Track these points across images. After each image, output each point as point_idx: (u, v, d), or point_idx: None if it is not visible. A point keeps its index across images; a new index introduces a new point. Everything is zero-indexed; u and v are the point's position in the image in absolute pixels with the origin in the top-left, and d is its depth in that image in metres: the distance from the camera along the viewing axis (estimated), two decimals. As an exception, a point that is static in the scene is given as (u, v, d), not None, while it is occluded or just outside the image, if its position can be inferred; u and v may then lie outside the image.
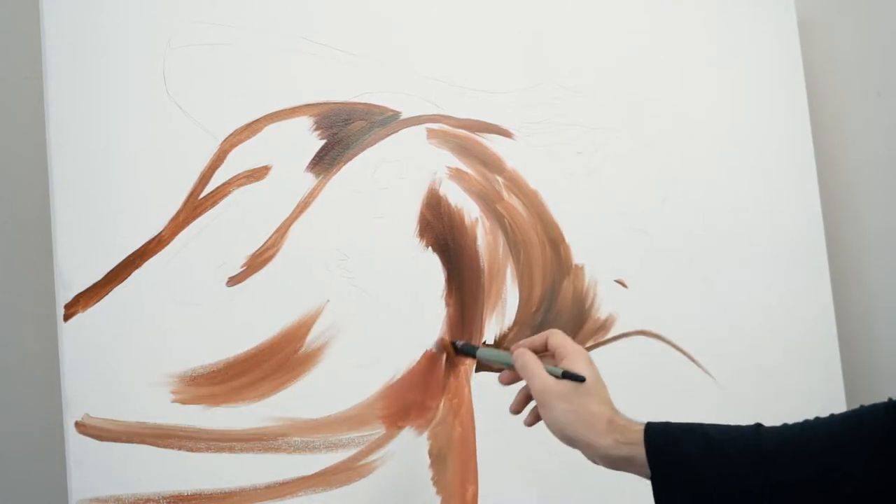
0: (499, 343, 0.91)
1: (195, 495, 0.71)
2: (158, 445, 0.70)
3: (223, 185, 0.75)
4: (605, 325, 0.99)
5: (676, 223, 1.06)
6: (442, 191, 0.88)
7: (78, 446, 0.67)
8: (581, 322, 0.97)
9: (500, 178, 0.93)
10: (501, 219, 0.92)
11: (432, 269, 0.87)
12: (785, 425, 0.65)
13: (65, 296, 0.68)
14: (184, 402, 0.72)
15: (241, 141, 0.77)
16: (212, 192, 0.75)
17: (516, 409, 0.76)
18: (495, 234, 0.91)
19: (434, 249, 0.87)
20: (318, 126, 0.81)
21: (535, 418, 0.74)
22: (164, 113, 0.73)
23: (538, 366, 0.71)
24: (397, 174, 0.85)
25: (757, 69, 1.19)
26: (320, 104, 0.81)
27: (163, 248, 0.72)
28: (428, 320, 0.86)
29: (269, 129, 0.79)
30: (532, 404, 0.74)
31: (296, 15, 0.81)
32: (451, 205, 0.88)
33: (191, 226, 0.74)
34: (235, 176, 0.76)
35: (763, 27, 1.21)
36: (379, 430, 0.81)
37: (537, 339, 0.75)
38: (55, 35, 0.70)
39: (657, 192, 1.05)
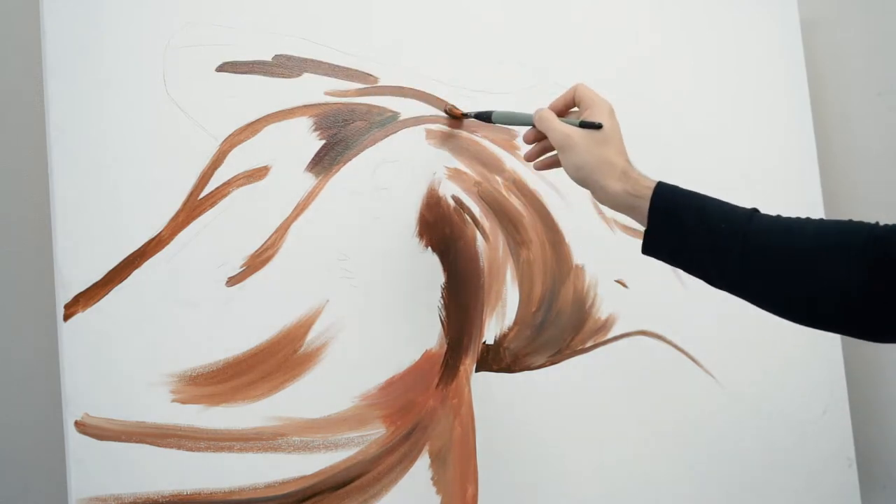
0: (500, 343, 0.91)
1: (194, 494, 0.71)
2: (158, 445, 0.70)
3: (223, 185, 0.75)
4: (605, 326, 0.99)
5: (677, 223, 1.06)
6: (441, 191, 0.88)
7: (78, 445, 0.67)
8: (581, 322, 0.97)
9: (499, 178, 0.93)
10: (501, 219, 0.92)
11: (432, 270, 0.87)
12: (778, 220, 0.70)
13: (65, 296, 0.68)
14: (183, 401, 0.72)
15: (241, 141, 0.77)
16: (211, 193, 0.75)
17: (531, 157, 0.82)
18: (495, 234, 0.91)
19: (434, 250, 0.87)
20: (318, 126, 0.81)
21: (546, 164, 0.81)
22: (163, 113, 0.73)
23: (556, 118, 0.76)
24: (397, 174, 0.85)
25: (759, 68, 1.19)
26: (320, 104, 0.81)
27: (163, 248, 0.72)
28: (428, 320, 0.86)
29: (269, 129, 0.79)
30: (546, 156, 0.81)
31: (296, 15, 0.81)
32: (450, 205, 0.88)
33: (190, 226, 0.74)
34: (235, 176, 0.76)
35: (765, 26, 1.21)
36: (378, 430, 0.81)
37: (563, 96, 0.79)
38: (55, 35, 0.70)
39: (658, 192, 1.05)
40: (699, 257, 0.71)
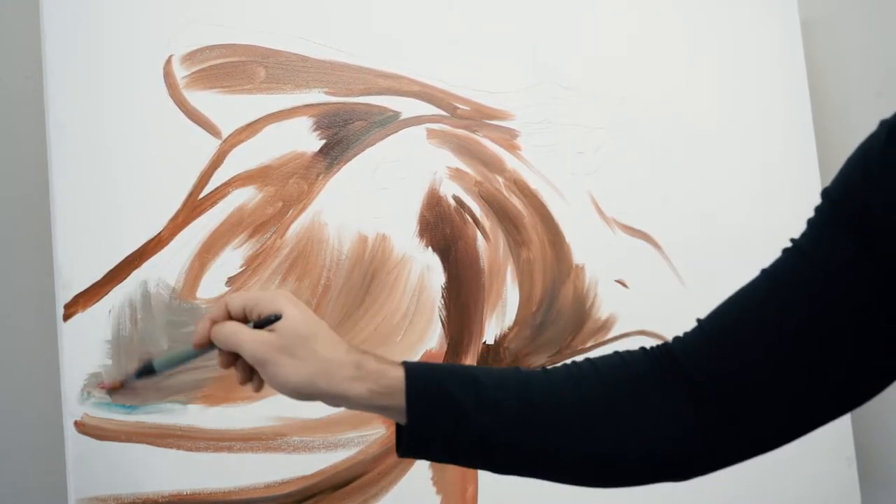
0: (500, 343, 0.90)
1: (194, 494, 0.71)
2: (158, 445, 0.70)
3: (222, 185, 0.75)
4: (605, 325, 0.99)
5: (677, 223, 1.06)
6: (442, 191, 0.88)
7: (77, 445, 0.67)
8: (581, 322, 0.97)
9: (500, 178, 0.93)
10: (502, 219, 0.92)
11: (432, 270, 0.87)
12: (546, 373, 0.60)
13: (64, 296, 0.68)
14: (183, 401, 0.72)
15: (241, 141, 0.77)
16: (211, 193, 0.75)
17: (243, 381, 0.59)
18: (495, 234, 0.91)
19: (434, 249, 0.87)
20: (318, 126, 0.81)
21: (260, 383, 0.58)
22: (163, 113, 0.74)
23: (241, 327, 0.56)
24: (397, 174, 0.85)
25: (759, 68, 1.19)
26: (320, 104, 0.81)
27: (162, 248, 0.72)
28: (428, 320, 0.86)
29: (269, 129, 0.79)
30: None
31: (296, 15, 0.81)
32: (450, 205, 0.88)
33: (190, 226, 0.74)
34: (235, 176, 0.76)
35: (766, 26, 1.21)
36: (378, 430, 0.81)
37: (217, 313, 0.57)
38: (55, 35, 0.70)
39: (658, 192, 1.05)
40: (481, 438, 0.57)
